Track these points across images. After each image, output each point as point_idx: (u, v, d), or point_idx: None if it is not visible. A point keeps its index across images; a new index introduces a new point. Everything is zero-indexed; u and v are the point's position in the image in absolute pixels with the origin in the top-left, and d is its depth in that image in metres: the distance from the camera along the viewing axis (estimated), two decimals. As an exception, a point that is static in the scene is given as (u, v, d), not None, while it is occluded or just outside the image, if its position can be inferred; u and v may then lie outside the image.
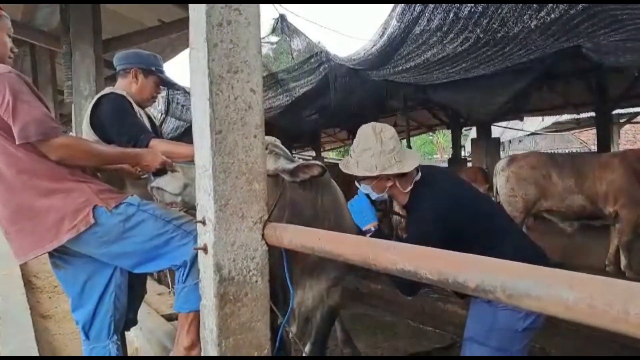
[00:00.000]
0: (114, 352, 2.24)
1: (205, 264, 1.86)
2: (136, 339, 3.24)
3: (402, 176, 2.27)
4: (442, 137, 26.11)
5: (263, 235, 1.89)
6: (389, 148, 2.19)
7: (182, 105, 8.97)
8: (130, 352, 3.19)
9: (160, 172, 2.23)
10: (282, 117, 7.50)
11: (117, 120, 2.41)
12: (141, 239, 2.12)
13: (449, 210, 2.15)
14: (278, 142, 2.58)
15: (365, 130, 2.27)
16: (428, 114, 12.89)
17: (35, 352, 2.62)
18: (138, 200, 2.15)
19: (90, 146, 2.11)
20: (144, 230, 2.12)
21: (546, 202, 6.05)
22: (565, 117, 14.67)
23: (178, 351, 2.21)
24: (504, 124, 14.31)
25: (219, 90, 1.78)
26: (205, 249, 1.84)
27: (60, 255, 2.18)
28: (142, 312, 3.41)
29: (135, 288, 2.49)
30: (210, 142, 1.77)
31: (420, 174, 2.33)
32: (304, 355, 2.90)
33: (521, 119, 14.11)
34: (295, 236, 1.71)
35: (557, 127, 16.47)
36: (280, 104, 6.96)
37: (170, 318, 3.48)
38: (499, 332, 2.06)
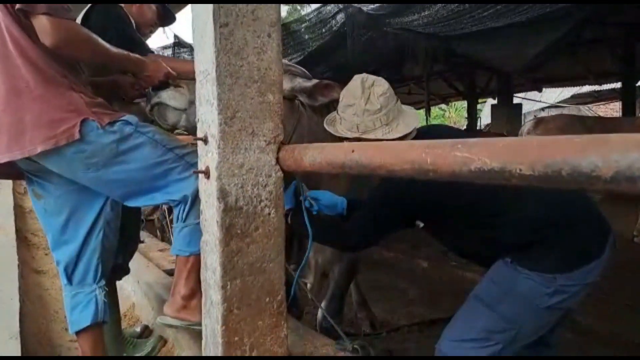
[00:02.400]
0: (100, 299, 1.93)
1: (208, 190, 1.53)
2: (133, 294, 2.95)
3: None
4: (454, 112, 25.53)
5: (278, 159, 1.55)
6: (376, 107, 1.77)
7: (189, 65, 8.53)
8: (125, 309, 2.90)
9: (163, 87, 1.90)
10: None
11: (112, 27, 2.06)
12: (136, 166, 1.78)
13: (414, 190, 1.69)
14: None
15: (353, 82, 1.85)
16: (443, 83, 12.42)
17: (16, 304, 2.33)
18: (136, 120, 1.81)
19: (94, 37, 1.74)
20: (141, 156, 1.78)
21: (574, 167, 5.66)
22: (585, 89, 14.14)
23: (175, 301, 1.89)
24: (521, 94, 13.84)
25: (225, -28, 1.43)
26: (207, 173, 1.51)
27: (40, 181, 1.85)
28: (141, 265, 3.12)
29: (127, 229, 2.18)
30: (214, 38, 1.42)
31: (413, 135, 1.84)
32: (320, 311, 2.59)
33: (539, 90, 13.62)
34: (320, 154, 1.36)
35: (576, 101, 15.94)
36: (291, 59, 6.56)
37: (171, 274, 3.17)
38: (514, 300, 1.69)
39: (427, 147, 1.01)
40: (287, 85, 2.12)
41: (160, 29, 2.86)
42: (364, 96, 1.76)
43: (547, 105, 16.68)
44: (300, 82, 2.14)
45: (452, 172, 0.94)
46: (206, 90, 1.49)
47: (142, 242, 4.06)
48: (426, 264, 5.50)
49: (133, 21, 2.31)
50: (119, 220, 2.00)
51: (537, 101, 15.64)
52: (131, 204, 1.87)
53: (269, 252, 1.56)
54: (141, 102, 2.12)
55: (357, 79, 1.83)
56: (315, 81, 2.14)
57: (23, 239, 4.53)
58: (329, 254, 2.54)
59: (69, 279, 1.94)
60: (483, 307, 1.75)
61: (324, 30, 5.56)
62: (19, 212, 5.92)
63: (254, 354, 1.54)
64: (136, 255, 3.34)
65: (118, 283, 3.12)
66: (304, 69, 2.28)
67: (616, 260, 1.78)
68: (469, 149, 0.90)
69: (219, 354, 1.50)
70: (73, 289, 1.94)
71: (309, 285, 2.65)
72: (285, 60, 2.26)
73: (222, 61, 1.43)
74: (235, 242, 1.50)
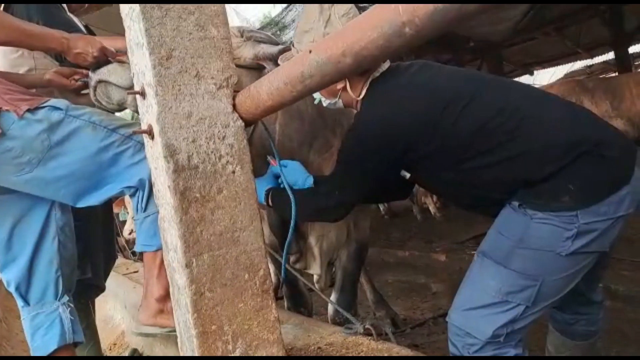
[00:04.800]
0: (66, 317, 1.65)
1: (155, 153, 1.27)
2: (122, 321, 2.66)
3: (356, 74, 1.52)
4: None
5: (234, 106, 1.29)
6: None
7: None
8: (114, 338, 2.61)
9: (101, 65, 1.64)
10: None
11: (34, 7, 1.82)
12: (77, 157, 1.50)
13: (400, 123, 1.45)
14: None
15: (309, 5, 1.59)
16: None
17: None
18: (66, 104, 1.54)
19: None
20: (80, 144, 1.50)
21: (581, 133, 5.38)
22: (578, 65, 13.91)
23: (149, 305, 1.61)
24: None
25: None
26: (150, 132, 1.24)
27: None
28: (128, 288, 2.84)
29: (89, 237, 1.90)
30: (133, -35, 1.18)
31: (386, 65, 1.56)
32: (330, 306, 2.28)
33: (531, 74, 13.40)
34: (276, 77, 1.10)
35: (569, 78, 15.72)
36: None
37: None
38: (529, 251, 1.38)
39: (396, -3, 0.74)
40: (249, 52, 1.89)
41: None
42: (323, 17, 1.49)
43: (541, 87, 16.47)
44: (264, 48, 1.89)
45: (433, 13, 0.67)
46: (134, 31, 1.24)
47: (136, 272, 3.79)
48: (444, 257, 5.19)
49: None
50: (72, 223, 1.73)
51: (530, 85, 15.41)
52: (83, 204, 1.58)
53: (240, 218, 1.29)
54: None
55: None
56: (281, 47, 1.89)
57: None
58: (334, 238, 2.25)
59: (25, 299, 1.65)
60: (494, 265, 1.43)
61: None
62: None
63: (238, 344, 1.25)
64: (123, 280, 3.08)
65: (106, 313, 2.85)
66: (269, 35, 2.04)
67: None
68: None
69: (195, 349, 1.21)
70: (32, 310, 1.66)
71: (315, 277, 2.35)
72: (246, 26, 2.03)
73: (147, -9, 1.19)
74: (196, 208, 1.22)
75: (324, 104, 1.68)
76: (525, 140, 1.40)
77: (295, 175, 1.76)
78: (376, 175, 1.55)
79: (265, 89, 1.14)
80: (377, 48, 0.80)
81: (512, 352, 1.41)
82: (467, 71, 1.66)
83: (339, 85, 1.56)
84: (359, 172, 1.53)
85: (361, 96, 1.54)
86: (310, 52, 0.95)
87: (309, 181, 1.75)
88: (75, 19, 2.05)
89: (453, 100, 1.43)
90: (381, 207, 7.82)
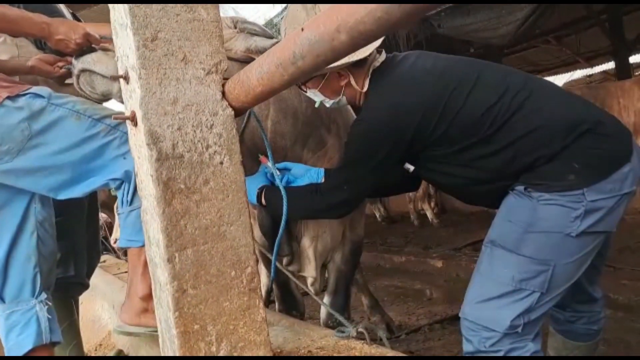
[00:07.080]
0: (43, 316, 1.57)
1: (137, 141, 1.19)
2: (110, 322, 2.58)
3: (357, 66, 1.50)
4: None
5: (224, 93, 1.22)
6: None
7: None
8: (100, 339, 2.53)
9: (85, 52, 1.57)
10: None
11: None
12: (60, 147, 1.43)
13: (409, 108, 1.43)
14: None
15: (293, 9, 1.57)
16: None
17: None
18: (48, 92, 1.47)
19: None
20: (63, 134, 1.44)
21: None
22: (577, 75, 13.90)
23: (132, 304, 1.53)
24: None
25: None
26: (132, 118, 1.17)
27: None
28: (115, 288, 2.75)
29: (73, 234, 1.83)
30: (118, -60, 1.11)
31: (382, 57, 1.56)
32: (323, 310, 2.20)
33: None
34: (266, 59, 1.03)
35: (570, 89, 15.70)
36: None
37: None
38: (540, 235, 1.37)
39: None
40: (241, 45, 1.82)
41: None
42: (311, 17, 1.45)
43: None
44: (257, 41, 1.82)
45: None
46: (118, 11, 1.17)
47: (127, 272, 3.70)
48: (440, 263, 5.12)
49: None
50: (53, 218, 1.65)
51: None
52: (65, 196, 1.50)
53: (227, 212, 1.21)
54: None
55: (294, 4, 1.54)
56: (274, 40, 1.82)
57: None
58: (329, 239, 2.17)
59: (0, 297, 1.58)
60: (505, 253, 1.40)
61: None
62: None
63: (223, 345, 1.17)
64: (112, 279, 2.99)
65: (94, 313, 2.77)
66: (264, 28, 1.97)
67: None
68: None
69: (176, 350, 1.13)
70: (7, 307, 1.57)
71: (310, 280, 2.27)
72: (240, 17, 1.96)
73: (131, -33, 1.12)
74: (180, 200, 1.15)
75: (327, 105, 1.64)
76: (530, 120, 1.40)
77: (303, 171, 1.74)
78: (385, 166, 1.53)
79: (255, 74, 1.07)
80: (374, 21, 0.73)
81: (531, 346, 1.39)
82: (464, 57, 1.63)
83: (343, 82, 1.55)
84: (368, 164, 1.51)
85: (365, 88, 1.52)
86: (302, 30, 0.89)
87: (321, 173, 1.72)
88: (61, 5, 1.97)
89: (460, 83, 1.42)
90: (377, 212, 7.75)
